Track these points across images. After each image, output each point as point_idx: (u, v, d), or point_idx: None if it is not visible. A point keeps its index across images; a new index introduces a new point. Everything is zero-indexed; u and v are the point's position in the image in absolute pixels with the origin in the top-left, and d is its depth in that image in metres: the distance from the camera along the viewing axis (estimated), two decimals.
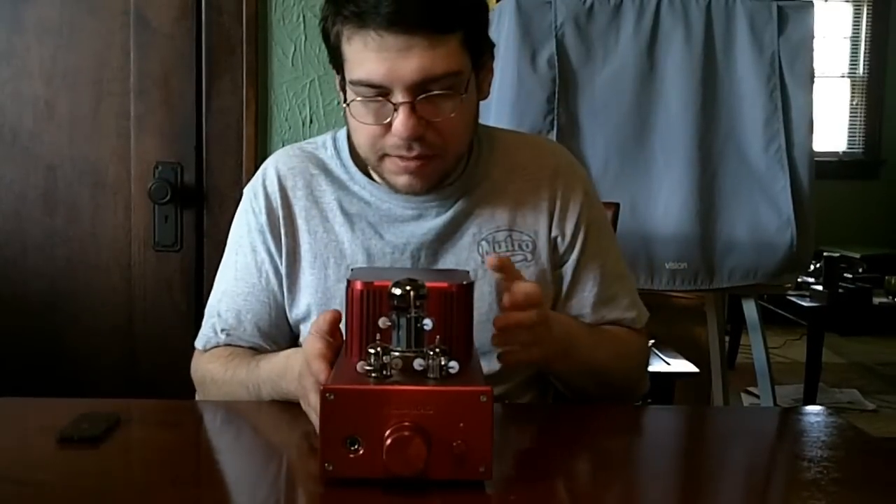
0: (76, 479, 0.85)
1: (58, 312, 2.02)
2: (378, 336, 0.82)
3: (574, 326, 1.15)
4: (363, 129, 1.08)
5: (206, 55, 1.99)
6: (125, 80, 1.99)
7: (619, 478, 0.91)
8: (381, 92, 1.03)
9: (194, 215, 2.02)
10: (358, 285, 0.85)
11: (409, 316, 0.80)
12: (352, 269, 0.95)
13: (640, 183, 2.51)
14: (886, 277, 3.83)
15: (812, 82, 2.60)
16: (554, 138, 2.45)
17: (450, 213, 1.16)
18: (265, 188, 1.19)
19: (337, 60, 1.08)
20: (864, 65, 5.84)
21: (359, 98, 1.05)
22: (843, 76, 5.86)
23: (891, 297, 3.76)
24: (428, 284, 0.81)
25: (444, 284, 0.85)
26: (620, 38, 2.49)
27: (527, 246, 1.18)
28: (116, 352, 2.03)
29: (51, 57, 1.98)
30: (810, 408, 1.33)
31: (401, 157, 1.07)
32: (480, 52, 1.10)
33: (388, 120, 1.04)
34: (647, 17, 2.49)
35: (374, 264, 1.14)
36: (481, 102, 1.20)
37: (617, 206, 1.61)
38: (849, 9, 5.80)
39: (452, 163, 1.13)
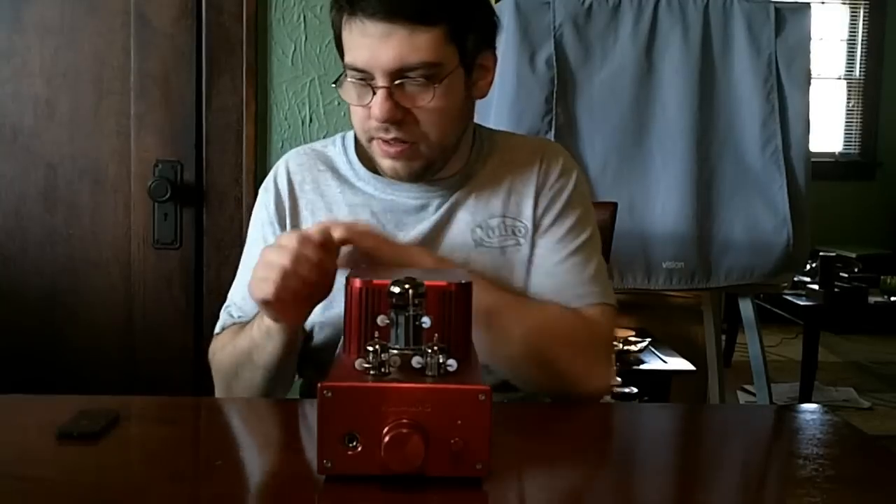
0: (75, 475, 0.85)
1: (57, 310, 2.02)
2: (376, 334, 0.82)
3: (488, 288, 1.11)
4: (354, 111, 1.16)
5: (205, 54, 1.99)
6: (125, 79, 1.99)
7: (615, 475, 0.91)
8: (365, 76, 1.11)
9: (194, 213, 2.03)
10: (357, 283, 0.86)
11: (407, 314, 0.81)
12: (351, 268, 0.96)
13: (637, 183, 2.52)
14: (882, 277, 3.85)
15: (809, 84, 2.61)
16: (552, 138, 2.45)
17: (448, 203, 1.22)
18: (275, 184, 1.27)
19: (339, 45, 1.16)
20: (860, 67, 5.85)
21: (349, 80, 1.13)
22: (839, 78, 5.87)
23: (886, 297, 3.78)
24: (427, 283, 0.82)
25: (443, 283, 0.85)
26: (619, 38, 2.50)
27: (519, 231, 1.22)
28: (116, 349, 2.03)
29: (51, 56, 1.99)
30: (806, 406, 1.34)
31: (383, 139, 1.14)
32: (472, 50, 1.15)
33: (369, 102, 1.12)
34: (645, 18, 2.49)
35: None
36: (480, 102, 1.23)
37: (615, 205, 1.62)
38: (845, 11, 5.81)
39: (436, 153, 1.17)
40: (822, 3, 5.71)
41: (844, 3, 5.81)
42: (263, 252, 1.03)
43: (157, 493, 0.80)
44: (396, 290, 0.81)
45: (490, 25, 1.19)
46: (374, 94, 1.10)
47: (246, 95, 1.99)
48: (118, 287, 2.03)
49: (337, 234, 1.04)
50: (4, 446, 0.93)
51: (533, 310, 1.16)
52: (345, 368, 0.82)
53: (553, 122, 2.47)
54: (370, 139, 1.16)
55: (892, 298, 3.77)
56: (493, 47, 1.20)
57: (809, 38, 2.60)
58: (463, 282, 0.87)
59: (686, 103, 2.51)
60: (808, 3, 2.67)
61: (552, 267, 1.20)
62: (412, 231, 1.21)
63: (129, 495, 0.80)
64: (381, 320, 0.82)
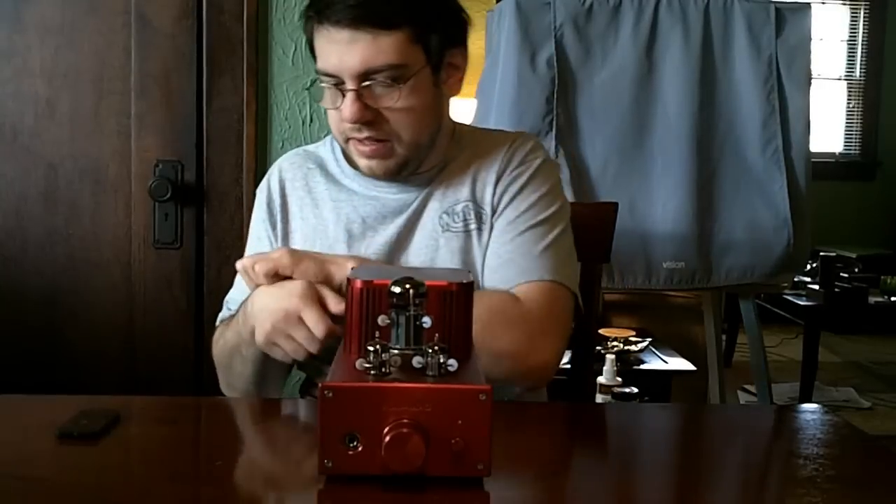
0: (76, 475, 0.85)
1: (58, 310, 2.02)
2: (377, 334, 0.82)
3: None
4: (330, 114, 1.22)
5: (206, 54, 1.99)
6: (126, 79, 1.99)
7: (615, 475, 0.91)
8: (335, 80, 1.17)
9: (194, 213, 2.02)
10: (358, 283, 0.86)
11: (408, 314, 0.81)
12: (352, 269, 0.96)
13: (638, 183, 2.53)
14: (882, 277, 3.85)
15: (809, 84, 2.61)
16: (553, 138, 2.46)
17: (422, 195, 1.27)
18: (269, 184, 1.35)
19: (313, 54, 1.22)
20: (860, 67, 5.86)
21: (322, 85, 1.20)
22: (839, 78, 5.87)
23: (886, 297, 3.78)
24: (427, 283, 0.82)
25: (444, 283, 0.85)
26: (619, 38, 2.50)
27: (482, 216, 1.26)
28: (116, 349, 2.03)
29: (52, 56, 1.99)
30: (806, 406, 1.34)
31: (357, 139, 1.20)
32: (437, 50, 1.20)
33: (340, 105, 1.18)
34: (645, 18, 2.50)
35: (355, 245, 1.25)
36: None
37: (615, 205, 1.62)
38: (846, 12, 5.81)
39: (410, 151, 1.22)
40: (823, 3, 5.71)
41: (845, 4, 5.81)
42: (280, 312, 1.06)
43: (157, 494, 0.80)
44: (397, 290, 0.81)
45: (457, 24, 1.24)
46: (344, 96, 1.16)
47: (246, 95, 1.99)
48: (119, 287, 2.03)
49: (261, 269, 1.10)
50: (4, 446, 0.93)
51: None
52: (345, 368, 0.82)
53: (554, 123, 2.47)
54: (347, 140, 1.23)
55: (893, 298, 3.77)
56: (461, 45, 1.25)
57: (810, 39, 2.60)
58: (464, 282, 0.87)
59: (686, 103, 2.51)
60: (809, 4, 2.67)
61: (502, 245, 1.23)
62: (391, 225, 1.26)
63: (130, 495, 0.80)
64: (382, 320, 0.82)
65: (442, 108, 1.27)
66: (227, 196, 2.01)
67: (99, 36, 1.99)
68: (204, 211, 2.03)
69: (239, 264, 1.14)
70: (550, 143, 2.46)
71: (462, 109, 3.00)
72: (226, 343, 1.22)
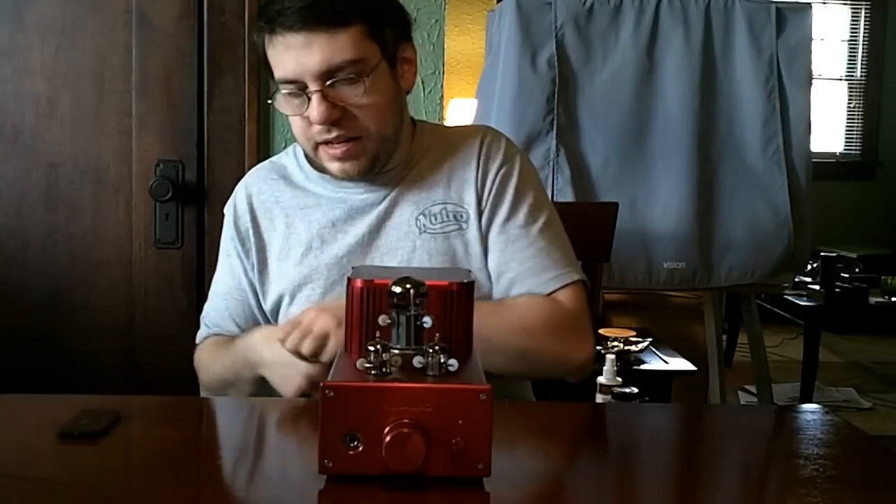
0: (76, 475, 0.85)
1: (59, 310, 2.02)
2: (378, 333, 0.83)
3: None
4: (294, 123, 1.22)
5: (207, 53, 1.99)
6: (127, 79, 1.99)
7: (616, 475, 0.91)
8: (298, 86, 1.18)
9: (195, 213, 2.03)
10: (358, 283, 0.86)
11: (408, 314, 0.81)
12: (352, 268, 0.96)
13: (638, 183, 2.53)
14: (883, 277, 3.85)
15: (810, 84, 2.61)
16: (553, 138, 2.46)
17: (392, 194, 1.28)
18: (235, 202, 1.36)
19: (268, 67, 1.22)
20: (861, 67, 5.86)
21: (284, 93, 1.20)
22: (840, 78, 5.87)
23: (887, 297, 3.78)
24: (428, 283, 0.82)
25: (445, 283, 0.86)
26: (620, 38, 2.50)
27: (460, 216, 1.27)
28: (117, 349, 2.03)
29: (52, 55, 1.99)
30: (807, 406, 1.33)
31: (327, 143, 1.20)
32: (391, 44, 1.22)
33: (306, 110, 1.18)
34: (646, 18, 2.50)
35: (327, 248, 1.26)
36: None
37: (615, 205, 1.62)
38: (847, 12, 5.81)
39: (378, 145, 1.23)
40: (824, 3, 5.71)
41: (845, 4, 5.80)
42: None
43: (158, 493, 0.80)
44: (398, 289, 0.81)
45: (404, 20, 1.26)
46: (310, 100, 1.17)
47: (248, 95, 1.99)
48: (120, 287, 2.03)
49: (289, 346, 1.10)
50: (5, 446, 0.93)
51: (508, 313, 1.21)
52: (346, 368, 0.82)
53: (554, 122, 2.47)
54: (315, 146, 1.23)
55: (893, 299, 3.77)
56: (410, 40, 1.27)
57: (810, 39, 2.60)
58: (465, 281, 0.87)
59: (687, 103, 2.52)
60: (810, 4, 2.68)
61: (521, 250, 1.25)
62: (359, 225, 1.27)
63: (130, 495, 0.80)
64: (383, 320, 0.82)
65: (402, 102, 1.29)
66: (228, 196, 1.99)
67: (100, 35, 1.99)
68: (205, 211, 2.03)
69: (289, 344, 1.10)
70: (551, 143, 2.46)
71: (462, 109, 3.00)
72: (216, 374, 1.27)
